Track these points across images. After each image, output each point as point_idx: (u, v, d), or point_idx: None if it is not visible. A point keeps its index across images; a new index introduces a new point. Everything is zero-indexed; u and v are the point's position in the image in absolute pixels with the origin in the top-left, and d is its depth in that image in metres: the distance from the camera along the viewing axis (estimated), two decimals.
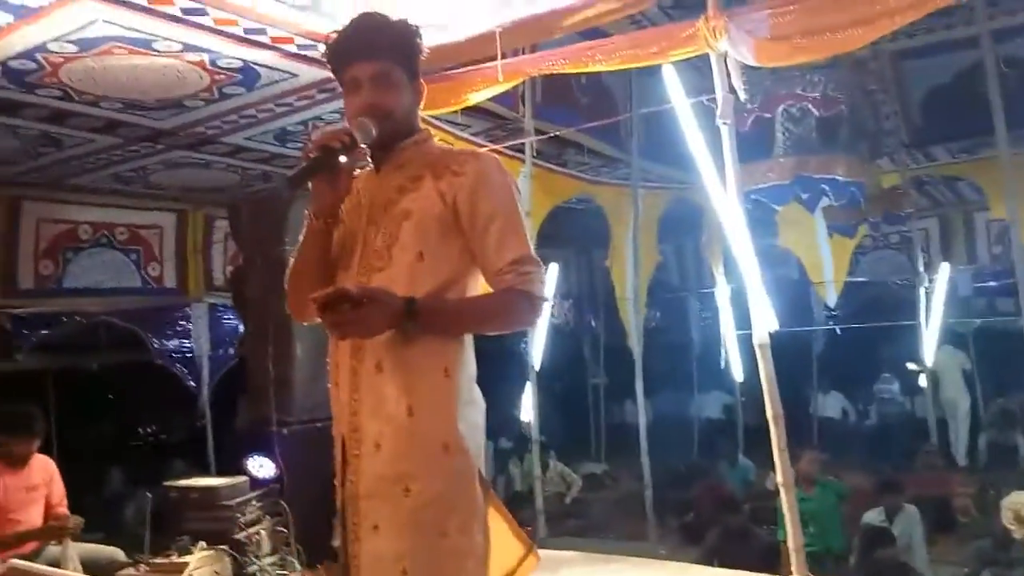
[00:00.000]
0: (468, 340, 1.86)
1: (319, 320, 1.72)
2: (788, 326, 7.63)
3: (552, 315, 7.21)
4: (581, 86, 6.08)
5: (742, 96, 3.58)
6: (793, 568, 3.26)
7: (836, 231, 6.55)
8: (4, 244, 6.22)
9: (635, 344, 6.82)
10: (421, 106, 2.01)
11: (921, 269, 7.30)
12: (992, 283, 8.73)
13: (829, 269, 7.60)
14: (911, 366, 8.11)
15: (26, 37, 3.48)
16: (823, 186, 5.19)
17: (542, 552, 2.26)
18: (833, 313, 9.20)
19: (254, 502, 5.03)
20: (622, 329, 7.36)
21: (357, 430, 1.79)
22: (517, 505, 6.93)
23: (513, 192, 1.86)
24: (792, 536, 3.25)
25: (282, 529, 5.12)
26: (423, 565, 1.71)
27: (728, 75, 3.55)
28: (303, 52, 3.85)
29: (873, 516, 5.54)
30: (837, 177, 5.15)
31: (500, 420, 8.42)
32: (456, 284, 1.82)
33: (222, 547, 4.67)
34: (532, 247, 1.84)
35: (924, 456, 7.32)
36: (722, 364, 8.55)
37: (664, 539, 6.34)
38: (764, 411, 3.38)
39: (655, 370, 8.19)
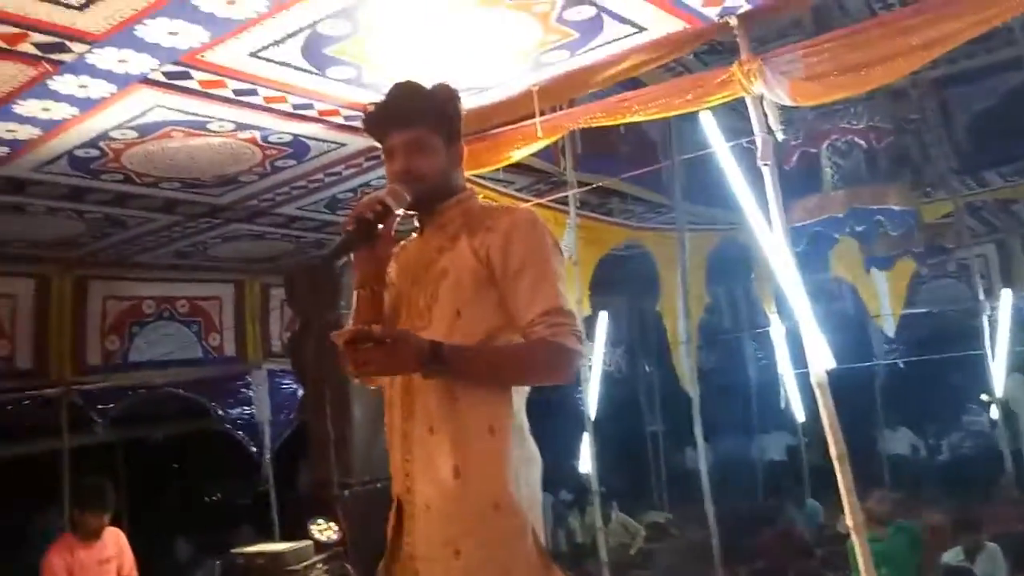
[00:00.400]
0: (515, 396, 1.86)
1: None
2: (847, 362, 7.49)
3: (605, 363, 7.18)
4: (621, 135, 6.15)
5: (779, 137, 3.59)
6: None
7: (875, 265, 6.42)
8: (73, 322, 6.47)
9: (691, 388, 6.74)
10: (462, 167, 2.05)
11: (981, 296, 7.11)
12: None
13: (885, 301, 7.44)
14: (984, 397, 7.85)
15: (90, 127, 3.70)
16: (878, 217, 5.13)
17: None
18: (893, 347, 8.99)
19: (319, 565, 5.05)
20: (676, 374, 7.29)
21: (411, 492, 1.82)
22: (580, 558, 6.82)
23: (546, 244, 1.86)
24: None
25: None
26: None
27: (766, 116, 3.58)
28: (349, 123, 4.00)
29: (952, 556, 5.32)
30: (892, 207, 5.10)
31: (559, 472, 8.35)
32: (495, 339, 1.83)
33: None
34: (566, 299, 1.83)
35: (1002, 490, 7.02)
36: (782, 404, 8.38)
37: None
38: (828, 450, 3.31)
39: (713, 414, 8.04)
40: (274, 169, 4.58)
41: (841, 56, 3.42)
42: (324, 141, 4.25)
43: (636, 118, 4.00)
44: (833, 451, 3.30)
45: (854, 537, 3.25)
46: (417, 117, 1.92)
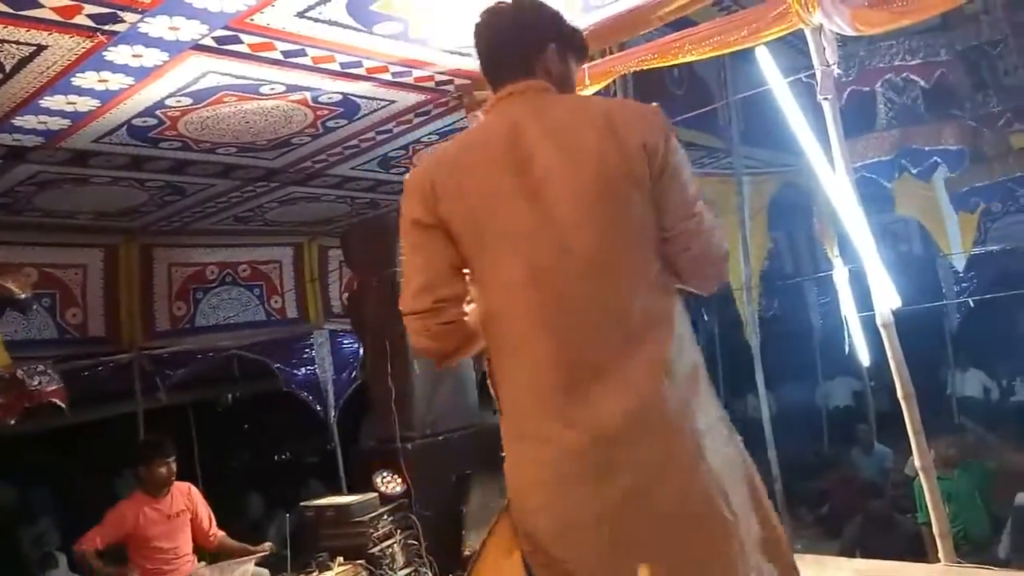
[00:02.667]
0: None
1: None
2: (914, 303, 7.24)
3: None
4: (674, 78, 6.01)
5: (837, 71, 3.45)
6: (941, 555, 3.10)
7: (958, 206, 6.13)
8: (141, 290, 6.68)
9: (752, 335, 6.64)
10: None
11: None
12: None
13: (956, 239, 7.19)
14: None
15: (146, 96, 3.75)
16: (935, 158, 4.91)
17: None
18: (964, 286, 8.67)
19: (385, 517, 5.19)
20: (738, 320, 7.18)
21: None
22: None
23: None
24: (937, 522, 3.09)
25: (413, 542, 5.26)
26: None
27: (824, 49, 3.44)
28: (398, 80, 3.97)
29: None
30: (948, 147, 4.86)
31: None
32: None
33: (358, 562, 4.85)
34: None
35: None
36: (846, 349, 8.20)
37: (799, 533, 6.14)
38: (895, 394, 3.24)
39: (775, 361, 7.94)
40: (326, 130, 4.60)
41: None
42: (374, 99, 4.24)
43: (690, 58, 3.88)
44: (900, 392, 3.23)
45: (922, 476, 3.20)
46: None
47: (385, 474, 5.50)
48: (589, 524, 1.66)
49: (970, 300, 7.84)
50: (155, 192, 5.39)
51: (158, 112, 3.97)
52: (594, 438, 1.64)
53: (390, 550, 5.08)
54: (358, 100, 4.22)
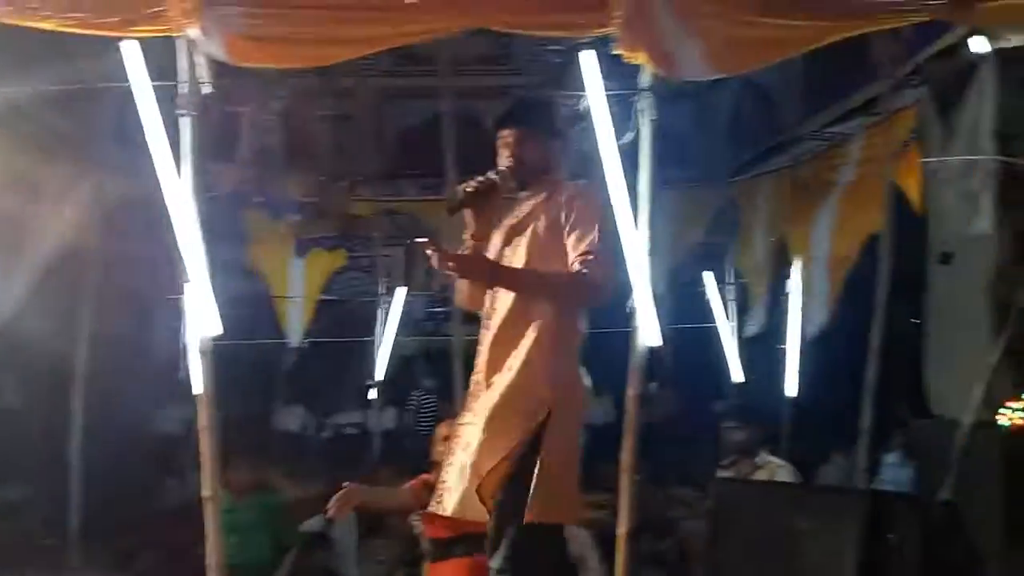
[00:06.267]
0: None
1: None
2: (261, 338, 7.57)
3: None
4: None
5: (207, 90, 3.38)
6: None
7: (300, 251, 6.59)
8: None
9: None
10: None
11: (383, 291, 7.89)
12: (441, 309, 9.87)
13: (301, 285, 7.78)
14: (370, 382, 8.61)
15: None
16: (287, 199, 5.23)
17: None
18: (308, 328, 9.38)
19: None
20: None
21: None
22: None
23: None
24: (213, 553, 3.12)
25: None
26: None
27: (195, 64, 3.33)
28: None
29: (313, 523, 5.69)
30: (295, 196, 5.24)
31: None
32: None
33: None
34: None
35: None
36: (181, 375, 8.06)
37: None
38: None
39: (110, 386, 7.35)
40: None
41: (284, 25, 3.34)
42: None
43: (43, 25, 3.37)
44: (202, 421, 3.26)
45: (207, 507, 3.23)
46: None
47: None
48: None
49: (304, 341, 8.48)
50: None
51: None
52: None
53: None
54: None
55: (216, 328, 3.29)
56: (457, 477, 2.66)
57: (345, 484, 3.83)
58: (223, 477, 3.56)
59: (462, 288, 2.94)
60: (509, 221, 2.84)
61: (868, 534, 2.84)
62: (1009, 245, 2.77)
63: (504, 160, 2.82)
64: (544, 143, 2.86)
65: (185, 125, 3.31)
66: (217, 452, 3.22)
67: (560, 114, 3.16)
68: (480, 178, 2.74)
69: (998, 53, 2.94)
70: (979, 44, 3.17)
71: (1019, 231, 2.78)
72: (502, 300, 2.70)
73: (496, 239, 2.84)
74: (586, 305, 2.77)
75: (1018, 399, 2.77)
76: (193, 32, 3.25)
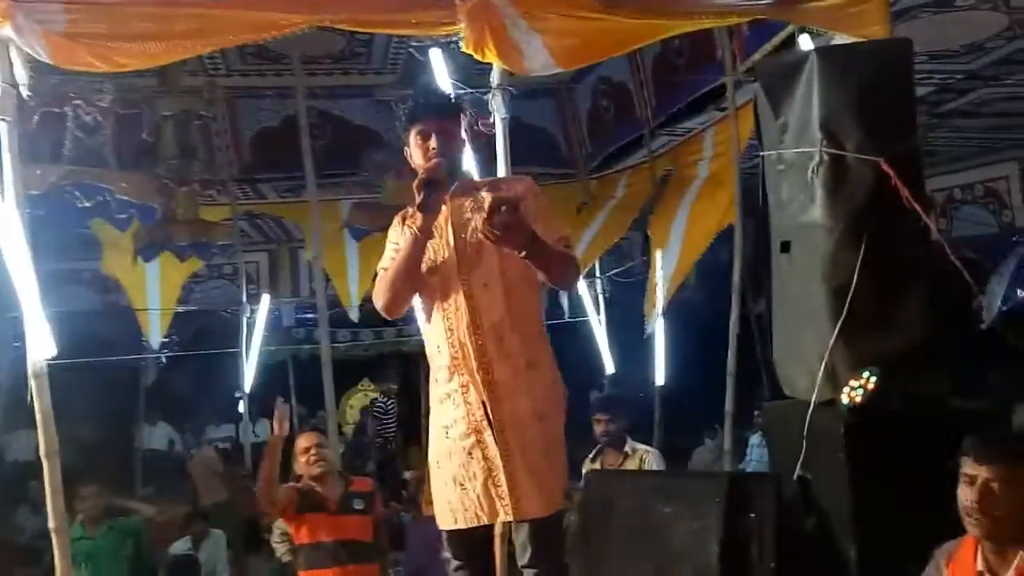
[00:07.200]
0: None
1: None
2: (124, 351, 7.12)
3: None
4: None
5: (25, 93, 3.13)
6: None
7: (144, 256, 6.19)
8: None
9: None
10: None
11: (245, 300, 7.55)
12: (311, 315, 9.60)
13: (156, 296, 7.36)
14: (238, 393, 8.29)
15: None
16: (131, 210, 4.92)
17: None
18: (167, 341, 8.92)
19: None
20: None
21: None
22: None
23: None
24: None
25: None
26: None
27: (11, 65, 3.08)
28: None
29: (180, 546, 5.46)
30: (128, 197, 4.92)
31: None
32: None
33: None
34: None
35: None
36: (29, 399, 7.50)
37: None
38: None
39: None
40: None
41: (103, 19, 3.14)
42: None
43: None
44: (43, 448, 3.03)
45: (54, 538, 3.00)
46: None
47: None
48: None
49: (163, 356, 8.07)
50: None
51: None
52: None
53: None
54: None
55: (49, 349, 3.05)
56: (529, 480, 2.51)
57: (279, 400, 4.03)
58: (69, 505, 3.32)
59: (395, 294, 2.56)
60: (455, 219, 2.59)
61: (729, 514, 2.94)
62: (841, 233, 2.93)
63: (430, 153, 2.56)
64: (459, 135, 2.74)
65: (2, 130, 3.04)
66: (60, 481, 2.99)
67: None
68: (433, 163, 2.49)
69: (820, 51, 3.09)
70: (805, 42, 3.40)
71: (850, 219, 2.94)
72: (488, 290, 2.51)
73: (448, 237, 2.56)
74: (573, 285, 2.88)
75: (858, 378, 2.92)
76: (7, 31, 3.01)
